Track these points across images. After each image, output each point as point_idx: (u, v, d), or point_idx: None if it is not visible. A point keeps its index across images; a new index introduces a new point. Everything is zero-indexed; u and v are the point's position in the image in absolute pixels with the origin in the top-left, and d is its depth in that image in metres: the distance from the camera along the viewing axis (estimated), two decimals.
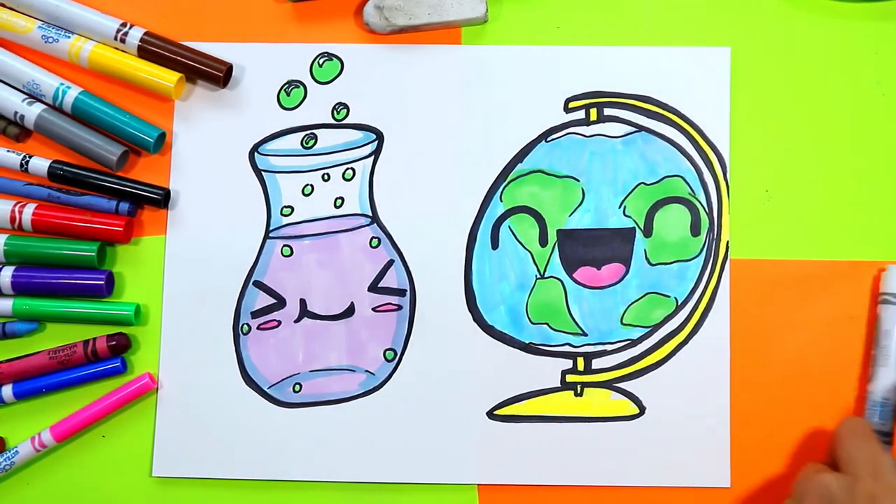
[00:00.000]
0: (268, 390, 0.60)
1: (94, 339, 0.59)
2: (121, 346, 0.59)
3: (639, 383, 0.59)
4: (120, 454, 0.60)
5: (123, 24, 0.61)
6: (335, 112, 0.61)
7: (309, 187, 0.61)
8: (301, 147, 0.61)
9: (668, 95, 0.61)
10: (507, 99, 0.61)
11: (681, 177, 0.60)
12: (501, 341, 0.60)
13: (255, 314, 0.61)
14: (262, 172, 0.61)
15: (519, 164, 0.61)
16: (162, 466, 0.60)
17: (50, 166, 0.60)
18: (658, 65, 0.61)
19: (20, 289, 0.60)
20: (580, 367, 0.60)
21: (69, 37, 0.61)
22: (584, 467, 0.59)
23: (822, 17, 0.61)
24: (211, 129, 0.62)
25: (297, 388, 0.60)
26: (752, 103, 0.61)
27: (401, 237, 0.60)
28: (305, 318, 0.60)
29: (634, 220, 0.60)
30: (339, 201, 0.61)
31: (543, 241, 0.60)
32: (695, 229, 0.60)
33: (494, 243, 0.60)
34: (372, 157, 0.61)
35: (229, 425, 0.60)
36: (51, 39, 0.61)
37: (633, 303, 0.60)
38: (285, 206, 0.61)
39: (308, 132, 0.61)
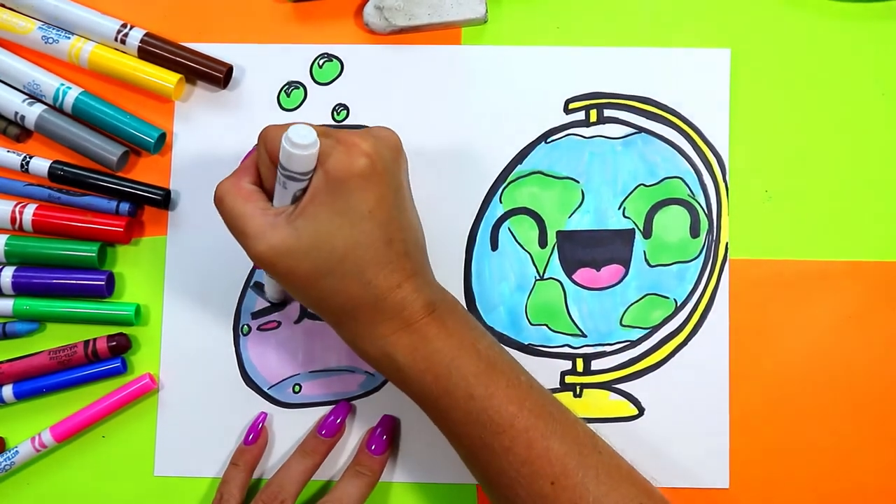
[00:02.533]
0: (268, 391, 0.60)
1: (95, 339, 0.60)
2: (121, 347, 0.59)
3: (638, 384, 0.59)
4: (120, 454, 0.60)
5: (124, 25, 0.61)
6: (335, 113, 0.61)
7: None
8: None
9: (667, 97, 0.61)
10: (507, 100, 0.61)
11: (680, 178, 0.60)
12: (501, 342, 0.60)
13: (255, 315, 0.61)
14: None
15: (519, 166, 0.61)
16: (164, 466, 0.60)
17: (50, 167, 0.60)
18: (658, 66, 0.61)
19: (21, 289, 0.60)
20: (579, 368, 0.60)
21: (69, 37, 0.61)
22: None
23: (822, 18, 0.61)
24: (211, 130, 0.62)
25: (297, 388, 0.60)
26: (752, 104, 0.61)
27: None
28: (305, 319, 0.60)
29: (634, 222, 0.60)
30: None
31: (543, 243, 0.60)
32: (694, 231, 0.60)
33: (494, 244, 0.60)
34: None
35: (230, 425, 0.60)
36: (51, 40, 0.61)
37: (632, 304, 0.60)
38: None
39: None
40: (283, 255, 0.48)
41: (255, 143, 0.52)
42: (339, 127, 0.61)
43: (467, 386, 0.49)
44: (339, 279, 0.49)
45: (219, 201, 0.51)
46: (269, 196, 0.51)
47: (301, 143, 0.47)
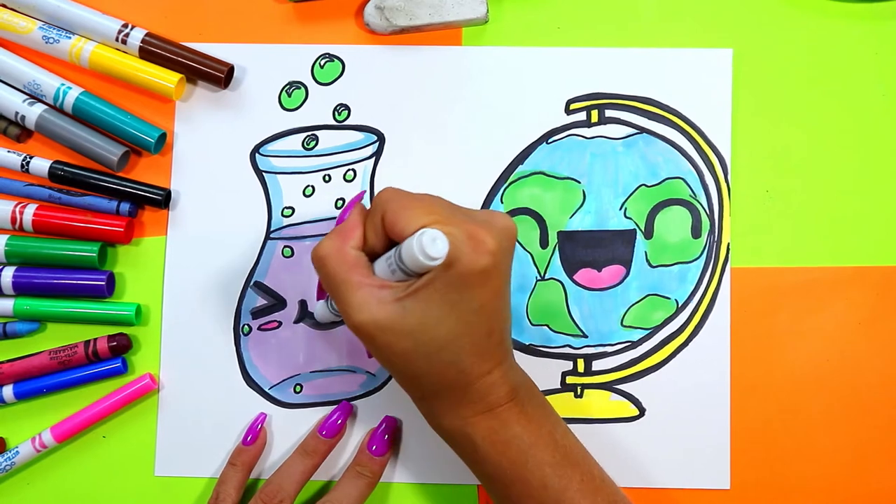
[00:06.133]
0: (269, 391, 0.60)
1: (95, 339, 0.60)
2: (121, 347, 0.59)
3: (639, 385, 0.59)
4: (120, 454, 0.60)
5: (125, 25, 0.61)
6: (336, 113, 0.61)
7: (310, 188, 0.61)
8: (302, 148, 0.61)
9: (669, 97, 0.61)
10: (508, 100, 0.61)
11: (682, 178, 0.60)
12: None
13: (255, 315, 0.61)
14: (263, 173, 0.61)
15: (520, 166, 0.61)
16: (164, 466, 0.60)
17: (51, 167, 0.60)
18: (659, 66, 0.61)
19: (21, 289, 0.60)
20: (580, 368, 0.60)
21: (70, 37, 0.61)
22: None
23: (823, 18, 0.61)
24: (212, 130, 0.62)
25: (298, 388, 0.60)
26: (754, 104, 0.61)
27: None
28: (306, 319, 0.60)
29: (635, 222, 0.60)
30: (340, 202, 0.61)
31: (544, 243, 0.60)
32: (695, 231, 0.60)
33: None
34: (373, 159, 0.61)
35: (231, 425, 0.60)
36: (52, 40, 0.61)
37: (633, 304, 0.60)
38: (286, 207, 0.61)
39: (309, 133, 0.61)
40: (383, 331, 0.47)
41: (356, 197, 0.51)
42: (339, 127, 0.61)
43: (542, 476, 0.49)
44: (435, 363, 0.48)
45: (320, 263, 0.49)
46: (370, 256, 0.50)
47: (435, 257, 0.45)
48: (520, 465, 0.49)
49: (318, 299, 0.57)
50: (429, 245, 0.45)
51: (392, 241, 0.49)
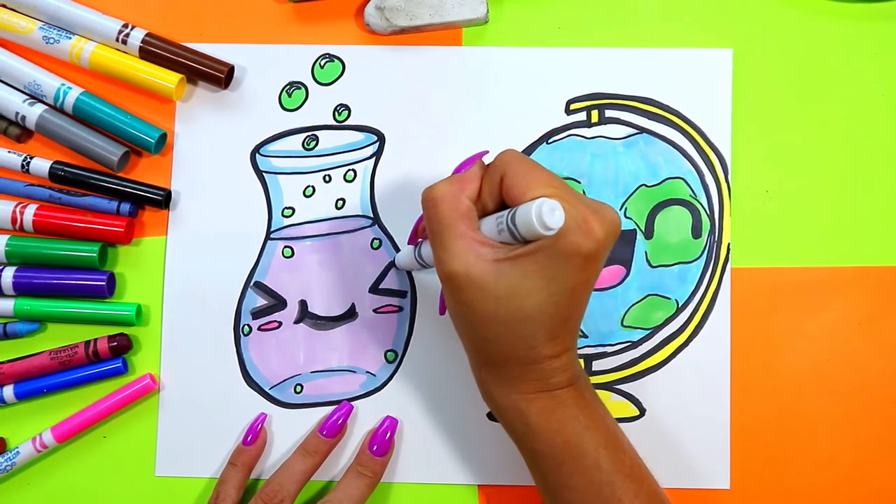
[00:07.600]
0: (269, 391, 0.60)
1: (96, 339, 0.60)
2: (122, 347, 0.59)
3: (639, 385, 0.59)
4: (121, 455, 0.60)
5: (125, 26, 0.61)
6: (336, 113, 0.61)
7: (310, 188, 0.61)
8: (302, 148, 0.61)
9: (669, 97, 0.61)
10: (509, 100, 0.61)
11: (682, 179, 0.60)
12: None
13: (255, 315, 0.61)
14: (264, 173, 0.61)
15: None
16: (165, 466, 0.60)
17: (51, 167, 0.60)
18: (660, 66, 0.61)
19: (22, 289, 0.60)
20: None
21: (70, 37, 0.61)
22: None
23: (824, 19, 0.61)
24: (212, 130, 0.62)
25: (299, 388, 0.60)
26: (754, 104, 0.61)
27: (402, 239, 0.60)
28: (306, 320, 0.60)
29: (635, 222, 0.60)
30: (341, 202, 0.61)
31: None
32: (696, 231, 0.60)
33: None
34: (373, 159, 0.61)
35: (231, 426, 0.60)
36: (52, 40, 0.61)
37: (633, 305, 0.60)
38: (286, 208, 0.61)
39: (309, 133, 0.61)
40: (472, 287, 0.47)
41: (479, 153, 0.51)
42: (340, 127, 0.61)
43: (597, 456, 0.50)
44: (510, 333, 0.48)
45: (432, 204, 0.49)
46: (479, 213, 0.49)
47: (551, 227, 0.45)
48: (574, 445, 0.50)
49: (409, 243, 0.56)
50: (547, 214, 0.45)
51: (503, 204, 0.49)
